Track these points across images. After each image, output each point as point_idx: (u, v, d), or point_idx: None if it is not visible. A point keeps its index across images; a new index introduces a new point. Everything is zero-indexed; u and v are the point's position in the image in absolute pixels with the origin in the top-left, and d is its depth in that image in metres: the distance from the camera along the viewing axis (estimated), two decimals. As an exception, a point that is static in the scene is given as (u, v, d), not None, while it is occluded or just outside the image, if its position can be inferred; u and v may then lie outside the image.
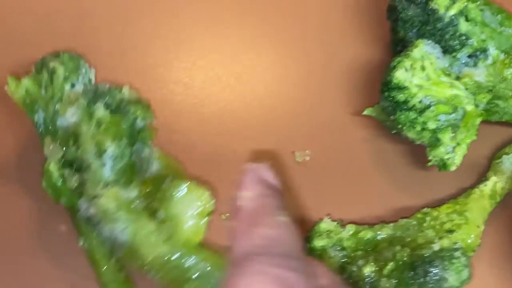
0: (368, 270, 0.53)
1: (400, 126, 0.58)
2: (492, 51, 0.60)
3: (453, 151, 0.58)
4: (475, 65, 0.60)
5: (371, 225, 0.58)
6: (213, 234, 0.53)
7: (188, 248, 0.53)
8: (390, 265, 0.53)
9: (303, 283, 0.38)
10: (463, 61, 0.60)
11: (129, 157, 0.55)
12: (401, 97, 0.57)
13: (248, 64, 0.68)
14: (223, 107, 0.66)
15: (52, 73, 0.58)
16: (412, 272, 0.52)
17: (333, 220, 0.58)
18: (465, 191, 0.61)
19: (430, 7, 0.59)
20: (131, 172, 0.55)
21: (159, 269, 0.53)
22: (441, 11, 0.59)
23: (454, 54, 0.59)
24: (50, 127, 0.57)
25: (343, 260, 0.55)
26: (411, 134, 0.58)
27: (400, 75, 0.57)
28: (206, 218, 0.54)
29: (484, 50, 0.60)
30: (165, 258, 0.52)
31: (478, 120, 0.60)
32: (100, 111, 0.55)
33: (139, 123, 0.56)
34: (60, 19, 0.68)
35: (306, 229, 0.59)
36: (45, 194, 0.58)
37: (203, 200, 0.54)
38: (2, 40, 0.68)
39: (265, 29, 0.69)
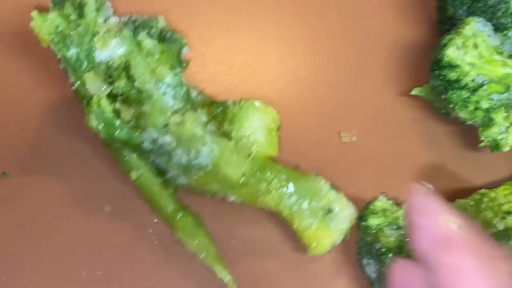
0: None
1: (451, 105, 0.57)
2: (545, 29, 0.60)
3: (506, 131, 0.58)
4: (527, 43, 0.60)
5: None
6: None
7: (266, 163, 0.55)
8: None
9: None
10: (515, 39, 0.60)
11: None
12: (452, 75, 0.56)
13: (292, 44, 0.66)
14: (267, 87, 0.65)
15: (81, 6, 0.54)
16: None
17: (388, 199, 0.57)
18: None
19: (482, -17, 0.58)
20: (190, 98, 0.55)
21: (240, 187, 0.55)
22: (493, -13, 0.59)
23: (505, 32, 0.58)
24: (86, 63, 0.54)
25: (400, 240, 0.53)
26: (463, 114, 0.58)
27: (451, 53, 0.56)
28: (276, 132, 0.56)
29: (536, 28, 0.60)
30: (247, 174, 0.54)
31: (531, 99, 0.59)
32: (148, 41, 0.54)
33: (185, 51, 0.55)
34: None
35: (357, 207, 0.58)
36: (86, 176, 0.59)
37: (269, 115, 0.56)
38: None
39: (308, 9, 0.68)
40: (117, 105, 0.54)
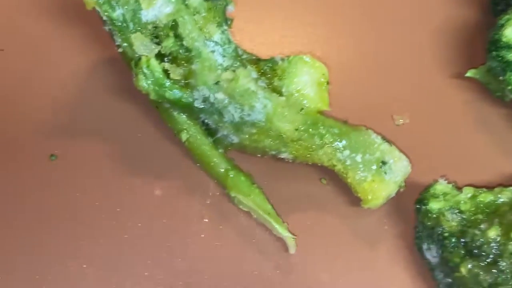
0: (494, 233, 0.50)
1: (509, 87, 0.56)
2: None
3: None
4: None
5: (479, 187, 0.55)
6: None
7: (318, 117, 0.54)
8: (518, 228, 0.51)
9: None
10: None
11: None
12: (511, 56, 0.55)
13: (342, 26, 0.65)
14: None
15: None
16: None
17: (448, 183, 0.55)
18: None
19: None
20: (238, 56, 0.55)
21: (293, 142, 0.54)
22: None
23: None
24: (132, 24, 0.54)
25: (463, 224, 0.52)
26: (521, 96, 0.55)
27: (510, 33, 0.55)
28: (326, 86, 0.56)
29: None
30: (301, 130, 0.54)
31: None
32: None
33: (230, 8, 0.55)
34: None
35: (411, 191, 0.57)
36: (137, 141, 0.59)
37: (319, 69, 0.55)
38: None
39: None
40: (166, 65, 0.53)
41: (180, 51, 0.53)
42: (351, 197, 0.56)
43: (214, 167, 0.57)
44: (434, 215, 0.52)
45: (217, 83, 0.52)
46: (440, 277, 0.53)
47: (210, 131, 0.56)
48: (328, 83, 0.56)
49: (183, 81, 0.53)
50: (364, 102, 0.62)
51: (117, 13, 0.53)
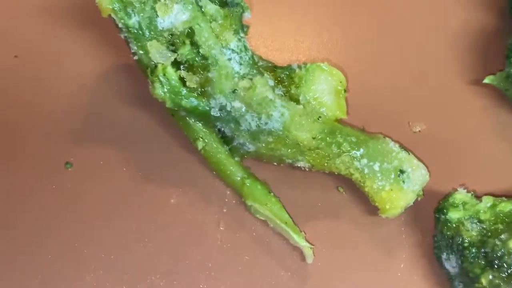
0: None
1: None
2: None
3: None
4: None
5: (498, 196, 0.54)
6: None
7: (335, 126, 0.54)
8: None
9: None
10: None
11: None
12: None
13: (357, 30, 0.65)
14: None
15: None
16: None
17: (468, 191, 0.55)
18: None
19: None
20: (255, 63, 0.54)
21: (310, 151, 0.54)
22: None
23: None
24: (148, 31, 0.53)
25: (483, 234, 0.51)
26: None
27: None
28: (343, 94, 0.55)
29: None
30: (318, 138, 0.53)
31: None
32: (211, 6, 0.53)
33: (246, 15, 0.54)
34: None
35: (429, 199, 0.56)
36: (152, 149, 0.59)
37: (336, 77, 0.55)
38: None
39: None
40: (182, 73, 0.53)
41: (197, 58, 0.53)
42: (368, 205, 0.55)
43: (230, 175, 0.56)
44: (454, 225, 0.52)
45: (234, 91, 0.52)
46: (460, 288, 0.52)
47: (226, 139, 0.56)
48: (345, 90, 0.56)
49: (199, 89, 0.53)
50: (381, 108, 0.61)
51: (133, 21, 0.53)
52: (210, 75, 0.53)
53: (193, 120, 0.56)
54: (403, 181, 0.53)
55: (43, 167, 0.59)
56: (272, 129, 0.53)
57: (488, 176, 0.58)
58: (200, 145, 0.56)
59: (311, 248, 0.55)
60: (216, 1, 0.54)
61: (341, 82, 0.55)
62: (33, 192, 0.58)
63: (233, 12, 0.53)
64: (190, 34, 0.53)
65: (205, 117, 0.54)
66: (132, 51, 0.55)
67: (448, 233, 0.52)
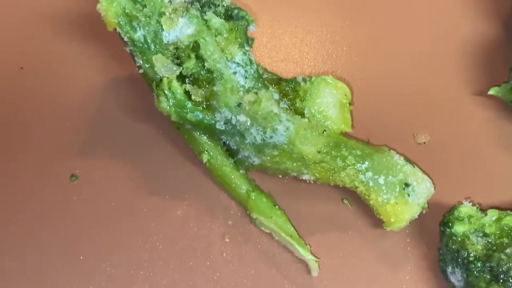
0: None
1: None
2: None
3: None
4: None
5: (503, 209, 0.54)
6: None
7: (340, 139, 0.54)
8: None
9: None
10: None
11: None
12: None
13: (361, 41, 0.65)
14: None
15: None
16: None
17: (473, 204, 0.55)
18: None
19: None
20: (260, 77, 0.54)
21: (315, 164, 0.54)
22: None
23: None
24: (153, 45, 0.53)
25: (488, 248, 0.51)
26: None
27: None
28: (348, 107, 0.56)
29: None
30: (323, 152, 0.54)
31: None
32: (216, 19, 0.53)
33: (251, 28, 0.54)
34: None
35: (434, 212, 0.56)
36: (157, 181, 0.58)
37: (341, 90, 0.55)
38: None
39: (376, 5, 0.66)
40: (187, 86, 0.53)
41: (202, 72, 0.53)
42: (373, 218, 0.56)
43: (235, 188, 0.56)
44: (459, 238, 0.52)
45: (239, 105, 0.52)
46: (465, 301, 0.52)
47: (231, 152, 0.56)
48: (350, 103, 0.56)
49: (204, 103, 0.53)
50: (386, 120, 0.61)
51: (138, 34, 0.53)
52: (215, 88, 0.53)
53: (198, 133, 0.56)
54: (408, 194, 0.53)
55: (49, 180, 0.59)
56: (277, 143, 0.53)
57: (493, 188, 0.58)
58: (205, 158, 0.56)
59: (316, 261, 0.54)
60: (221, 15, 0.53)
61: (346, 95, 0.55)
62: (39, 205, 0.59)
63: (238, 26, 0.53)
64: (195, 48, 0.53)
65: (210, 131, 0.54)
66: (138, 64, 0.55)
67: (453, 246, 0.52)
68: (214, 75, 0.52)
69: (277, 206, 0.56)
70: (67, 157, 0.60)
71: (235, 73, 0.53)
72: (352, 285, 0.56)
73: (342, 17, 0.66)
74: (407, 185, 0.53)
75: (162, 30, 0.53)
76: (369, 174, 0.53)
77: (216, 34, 0.53)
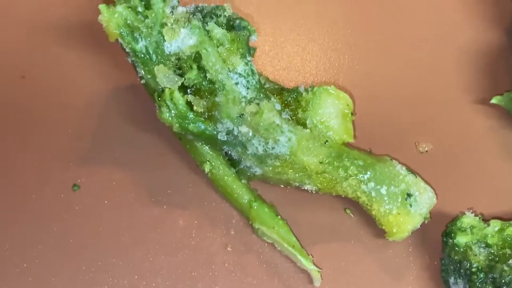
0: None
1: None
2: None
3: None
4: None
5: (505, 220, 0.54)
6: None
7: (342, 149, 0.54)
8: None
9: None
10: None
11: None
12: None
13: (363, 49, 0.65)
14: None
15: None
16: None
17: (475, 215, 0.54)
18: None
19: None
20: (262, 87, 0.54)
21: (317, 175, 0.54)
22: None
23: None
24: (155, 56, 0.54)
25: (490, 258, 0.51)
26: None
27: None
28: (350, 117, 0.55)
29: None
30: (325, 162, 0.54)
31: None
32: (218, 30, 0.52)
33: (253, 38, 0.54)
34: None
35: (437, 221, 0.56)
36: (159, 191, 0.58)
37: (343, 100, 0.55)
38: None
39: (378, 13, 0.66)
40: (189, 97, 0.53)
41: (204, 83, 0.53)
42: (376, 228, 0.56)
43: (237, 198, 0.57)
44: (461, 249, 0.52)
45: (241, 116, 0.52)
46: (468, 312, 0.52)
47: (233, 162, 0.56)
48: (352, 114, 0.56)
49: (206, 114, 0.53)
50: (388, 129, 0.62)
51: (140, 45, 0.53)
52: (217, 99, 0.53)
53: (200, 144, 0.56)
54: (410, 205, 0.53)
55: (51, 190, 0.59)
56: (279, 154, 0.53)
57: (495, 198, 0.58)
58: (207, 168, 0.56)
59: (318, 271, 0.55)
60: (223, 25, 0.53)
61: (348, 105, 0.55)
62: (41, 215, 0.59)
63: (240, 36, 0.53)
64: (197, 58, 0.53)
65: (212, 141, 0.54)
66: (139, 75, 0.55)
67: (455, 257, 0.52)
68: (216, 86, 0.52)
69: (279, 216, 0.56)
70: (69, 166, 0.60)
71: (237, 83, 0.53)
72: (355, 295, 0.56)
73: (344, 25, 0.66)
74: (409, 195, 0.53)
75: (164, 40, 0.53)
76: (371, 184, 0.53)
77: (218, 44, 0.53)
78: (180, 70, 0.54)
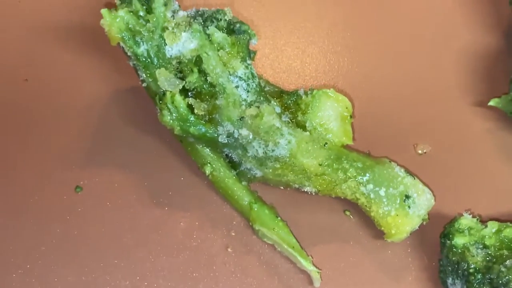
0: None
1: None
2: None
3: None
4: None
5: (503, 221, 0.54)
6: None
7: (341, 152, 0.55)
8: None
9: None
10: None
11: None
12: None
13: (362, 52, 0.65)
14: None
15: (148, 0, 0.54)
16: None
17: (473, 216, 0.55)
18: None
19: None
20: (262, 90, 0.55)
21: (316, 177, 0.55)
22: None
23: None
24: (156, 59, 0.54)
25: (488, 259, 0.51)
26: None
27: None
28: (349, 120, 0.56)
29: None
30: (324, 164, 0.54)
31: None
32: (218, 34, 0.53)
33: (253, 42, 0.55)
34: None
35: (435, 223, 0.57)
36: (160, 193, 0.59)
37: (342, 103, 0.56)
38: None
39: (377, 16, 0.67)
40: (190, 100, 0.53)
41: (204, 86, 0.53)
42: (375, 229, 0.56)
43: (238, 200, 0.57)
44: (459, 250, 0.52)
45: (241, 118, 0.53)
46: (466, 312, 0.52)
47: (233, 164, 0.57)
48: (351, 116, 0.56)
49: (207, 117, 0.54)
50: (386, 131, 0.62)
51: (142, 49, 0.54)
52: (217, 102, 0.53)
53: (201, 146, 0.56)
54: (409, 206, 0.53)
55: (54, 191, 0.60)
56: (279, 156, 0.54)
57: (493, 200, 0.59)
58: (208, 170, 0.57)
59: (318, 272, 0.55)
60: (224, 29, 0.54)
61: (347, 108, 0.56)
62: (44, 216, 0.59)
63: (240, 40, 0.54)
64: (198, 62, 0.53)
65: (212, 143, 0.55)
66: (141, 78, 0.55)
67: (453, 258, 0.52)
68: (217, 89, 0.53)
69: (279, 218, 0.56)
70: (72, 169, 0.61)
71: (237, 87, 0.53)
72: (354, 296, 0.56)
73: (344, 28, 0.66)
74: (407, 197, 0.53)
75: (165, 44, 0.54)
76: (370, 186, 0.54)
77: (219, 48, 0.53)
78: (181, 74, 0.54)
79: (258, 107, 0.53)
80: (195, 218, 0.59)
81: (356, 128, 0.59)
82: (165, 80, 0.53)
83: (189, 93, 0.54)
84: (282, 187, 0.58)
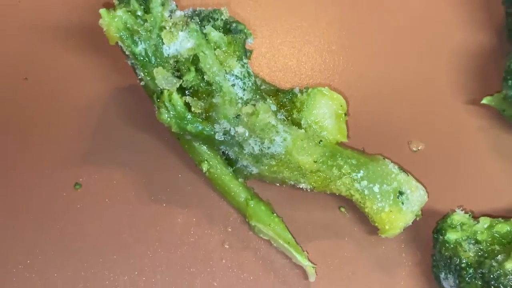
0: (511, 266, 0.50)
1: None
2: None
3: None
4: None
5: (494, 217, 0.55)
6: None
7: (336, 149, 0.55)
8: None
9: None
10: None
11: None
12: None
13: (357, 51, 0.66)
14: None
15: (146, 0, 0.55)
16: None
17: (465, 212, 0.55)
18: None
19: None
20: (258, 89, 0.56)
21: (311, 174, 0.55)
22: None
23: None
24: (154, 58, 0.55)
25: (480, 254, 0.52)
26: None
27: None
28: (344, 117, 0.57)
29: None
30: (319, 161, 0.55)
31: None
32: (215, 33, 0.54)
33: (249, 41, 0.55)
34: None
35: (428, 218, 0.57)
36: (158, 189, 0.60)
37: (337, 101, 0.56)
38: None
39: (372, 16, 0.67)
40: (187, 98, 0.54)
41: (201, 84, 0.54)
42: (369, 225, 0.57)
43: (234, 196, 0.58)
44: (452, 245, 0.53)
45: (237, 116, 0.54)
46: (458, 306, 0.53)
47: (230, 161, 0.57)
48: (346, 114, 0.57)
49: (204, 114, 0.54)
50: (381, 128, 0.63)
51: (140, 48, 0.54)
52: (214, 100, 0.54)
53: (198, 143, 0.57)
54: (402, 203, 0.54)
55: (53, 188, 0.61)
56: (275, 153, 0.54)
57: (485, 196, 0.60)
58: (205, 167, 0.57)
59: (313, 267, 0.56)
60: (220, 29, 0.55)
61: (341, 106, 0.56)
62: (43, 213, 0.60)
63: (237, 39, 0.55)
64: (195, 61, 0.54)
65: (209, 141, 0.56)
66: (139, 77, 0.56)
67: (446, 253, 0.53)
68: (213, 88, 0.54)
69: (275, 214, 0.57)
70: (71, 166, 0.61)
71: (233, 85, 0.54)
72: (348, 291, 0.57)
73: (339, 27, 0.67)
74: (401, 193, 0.54)
75: (163, 44, 0.55)
76: (364, 182, 0.54)
77: (215, 47, 0.54)
78: (178, 72, 0.55)
79: (254, 105, 0.53)
80: (193, 215, 0.60)
81: (350, 125, 0.60)
82: (163, 78, 0.54)
83: (186, 92, 0.55)
84: (278, 184, 0.58)
